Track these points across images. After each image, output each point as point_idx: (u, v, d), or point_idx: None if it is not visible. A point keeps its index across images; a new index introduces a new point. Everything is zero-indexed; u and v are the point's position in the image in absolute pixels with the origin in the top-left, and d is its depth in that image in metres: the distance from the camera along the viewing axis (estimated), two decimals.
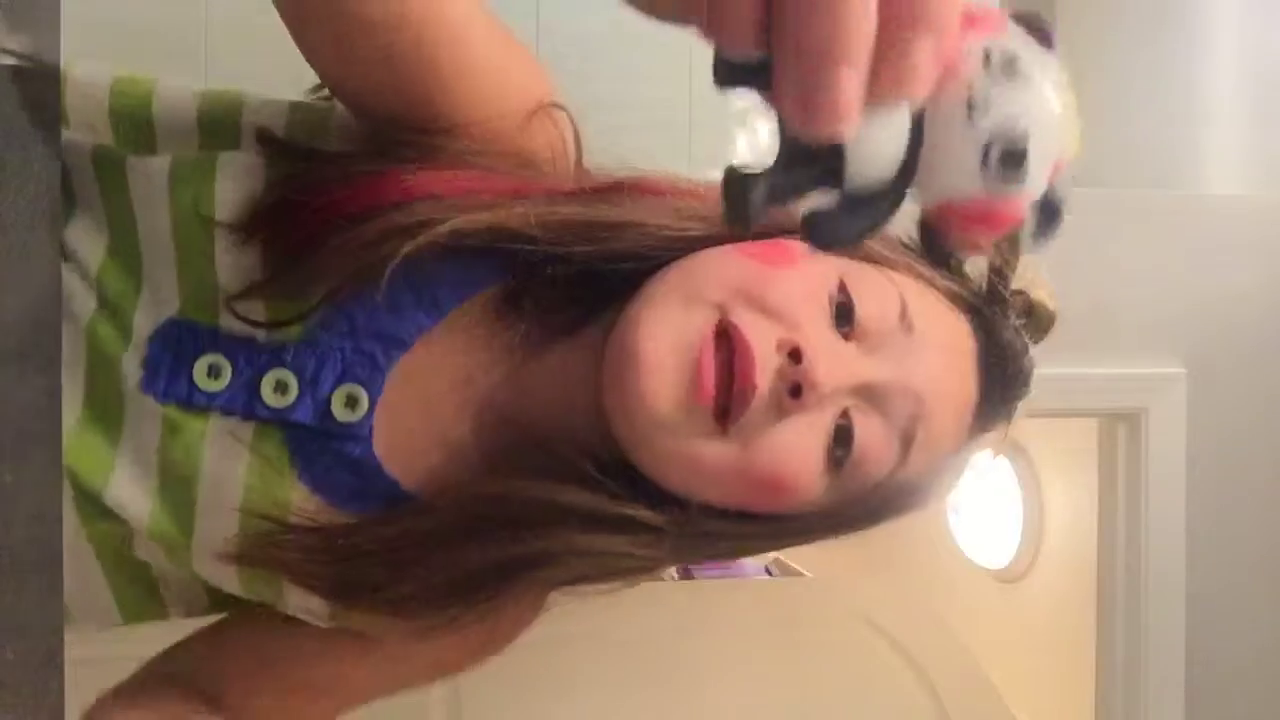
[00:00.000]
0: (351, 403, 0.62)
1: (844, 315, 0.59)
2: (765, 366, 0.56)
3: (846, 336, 0.59)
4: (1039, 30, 0.37)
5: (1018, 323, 0.70)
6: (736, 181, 0.34)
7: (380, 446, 0.63)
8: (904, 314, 0.60)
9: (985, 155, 0.34)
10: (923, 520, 2.84)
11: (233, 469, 0.62)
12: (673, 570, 3.38)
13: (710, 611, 1.76)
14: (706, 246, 0.60)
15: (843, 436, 0.58)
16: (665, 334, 0.56)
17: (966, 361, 0.64)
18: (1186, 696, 1.85)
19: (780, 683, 1.55)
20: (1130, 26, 2.51)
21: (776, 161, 0.35)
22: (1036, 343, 0.74)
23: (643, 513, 0.60)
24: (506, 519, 0.60)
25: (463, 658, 0.71)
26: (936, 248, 0.54)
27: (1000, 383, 0.66)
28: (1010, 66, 0.34)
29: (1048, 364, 1.97)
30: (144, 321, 0.62)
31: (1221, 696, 1.88)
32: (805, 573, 3.35)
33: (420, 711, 1.43)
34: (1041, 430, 2.38)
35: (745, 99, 0.34)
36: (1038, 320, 0.73)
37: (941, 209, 0.35)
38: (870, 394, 0.59)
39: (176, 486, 0.63)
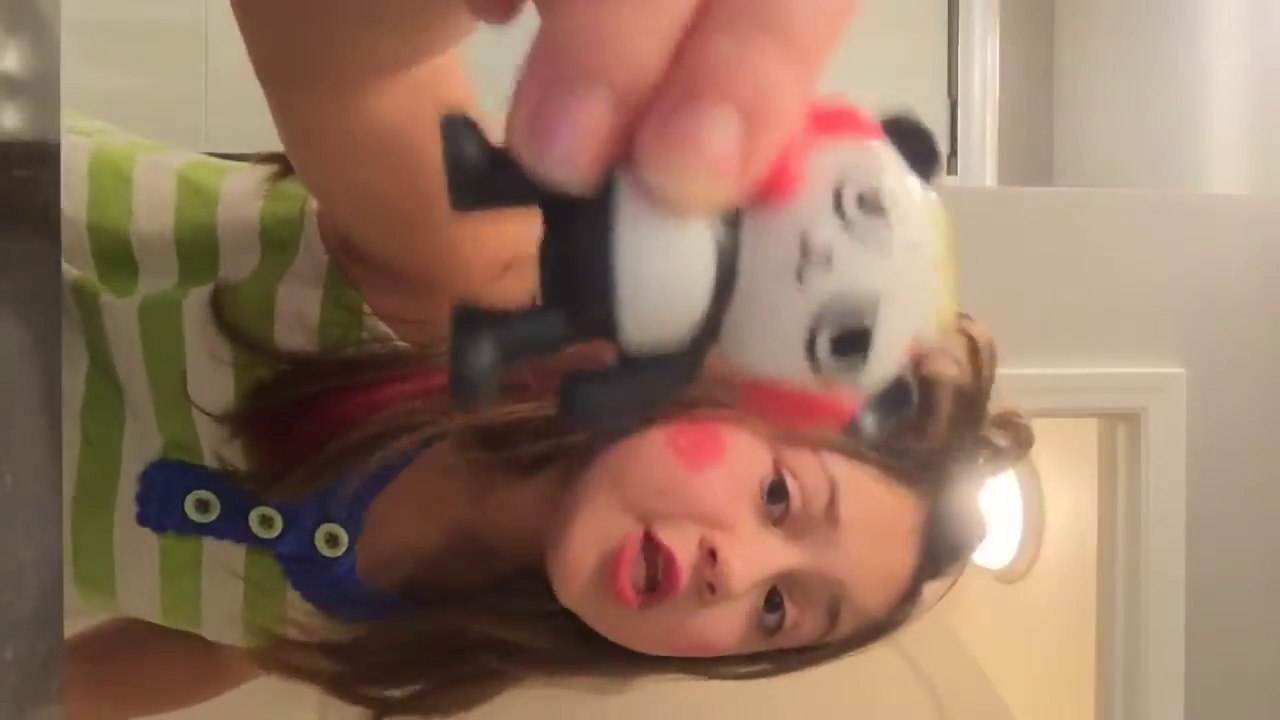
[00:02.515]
0: (332, 540, 0.66)
1: (776, 494, 0.61)
2: (687, 569, 0.59)
3: (779, 517, 0.61)
4: (917, 141, 0.27)
5: (985, 465, 0.70)
6: (459, 334, 0.23)
7: (363, 566, 0.68)
8: (831, 504, 0.61)
9: (812, 333, 0.24)
10: None
11: (230, 588, 0.68)
12: None
13: None
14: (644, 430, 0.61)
15: (773, 603, 0.63)
16: (590, 538, 0.60)
17: (900, 539, 0.66)
18: (1186, 696, 1.85)
19: (780, 682, 1.55)
20: (1130, 27, 2.51)
21: (528, 310, 0.24)
22: (1019, 459, 0.75)
23: (581, 653, 0.67)
24: (460, 648, 0.67)
25: None
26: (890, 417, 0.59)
27: (943, 545, 0.68)
28: (869, 206, 0.24)
29: (1048, 364, 1.97)
30: (131, 459, 0.66)
31: (1221, 696, 1.88)
32: None
33: None
34: (1041, 430, 2.37)
35: None
36: (1005, 457, 0.73)
37: (749, 384, 0.25)
38: (790, 579, 0.62)
39: (180, 607, 0.70)
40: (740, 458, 0.61)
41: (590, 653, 0.66)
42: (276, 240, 0.63)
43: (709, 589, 0.60)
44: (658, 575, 0.60)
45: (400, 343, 0.62)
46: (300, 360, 0.62)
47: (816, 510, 0.62)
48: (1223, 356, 1.87)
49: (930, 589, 0.71)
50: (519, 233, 0.59)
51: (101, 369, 0.66)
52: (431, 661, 0.69)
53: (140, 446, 0.66)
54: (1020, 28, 2.74)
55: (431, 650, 0.68)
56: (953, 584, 0.73)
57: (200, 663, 0.83)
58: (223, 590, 0.69)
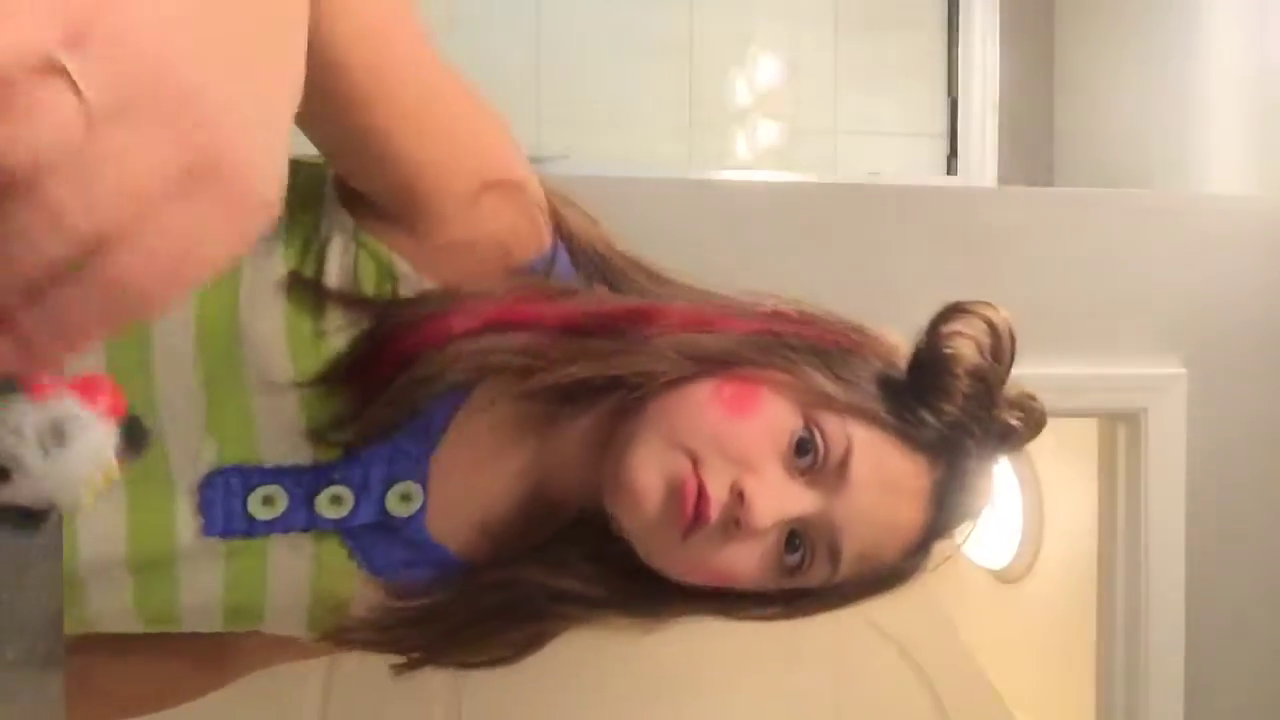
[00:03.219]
0: (405, 498, 0.69)
1: (804, 448, 0.70)
2: (717, 503, 0.68)
3: (804, 469, 0.70)
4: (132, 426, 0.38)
5: (991, 449, 0.77)
6: None
7: (431, 524, 0.71)
8: (845, 459, 0.70)
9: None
10: None
11: (298, 581, 0.70)
12: None
13: None
14: (712, 364, 0.70)
15: (791, 545, 0.71)
16: (655, 469, 0.68)
17: (910, 497, 0.73)
18: (1186, 696, 1.85)
19: (781, 683, 1.55)
20: (1130, 26, 2.51)
21: None
22: (1030, 440, 0.81)
23: (627, 594, 0.75)
24: (517, 600, 0.73)
25: None
26: (914, 390, 0.72)
27: (955, 508, 0.76)
28: (56, 438, 0.35)
29: (1048, 364, 1.97)
30: (182, 476, 0.67)
31: (1221, 697, 1.88)
32: None
33: (421, 711, 1.43)
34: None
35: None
36: (1017, 437, 0.79)
37: None
38: (806, 524, 0.71)
39: (246, 610, 0.70)
40: (775, 412, 0.70)
41: (635, 593, 0.74)
42: (299, 219, 0.67)
43: (735, 524, 0.68)
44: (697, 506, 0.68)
45: (432, 285, 0.68)
46: (379, 307, 0.67)
47: (833, 463, 0.70)
48: (1223, 356, 1.87)
49: (939, 546, 0.79)
50: (486, 155, 0.68)
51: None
52: (493, 617, 0.73)
53: (187, 462, 0.67)
54: (1020, 28, 2.74)
55: (493, 607, 0.73)
56: (952, 553, 0.81)
57: (204, 657, 0.83)
58: (290, 584, 0.70)
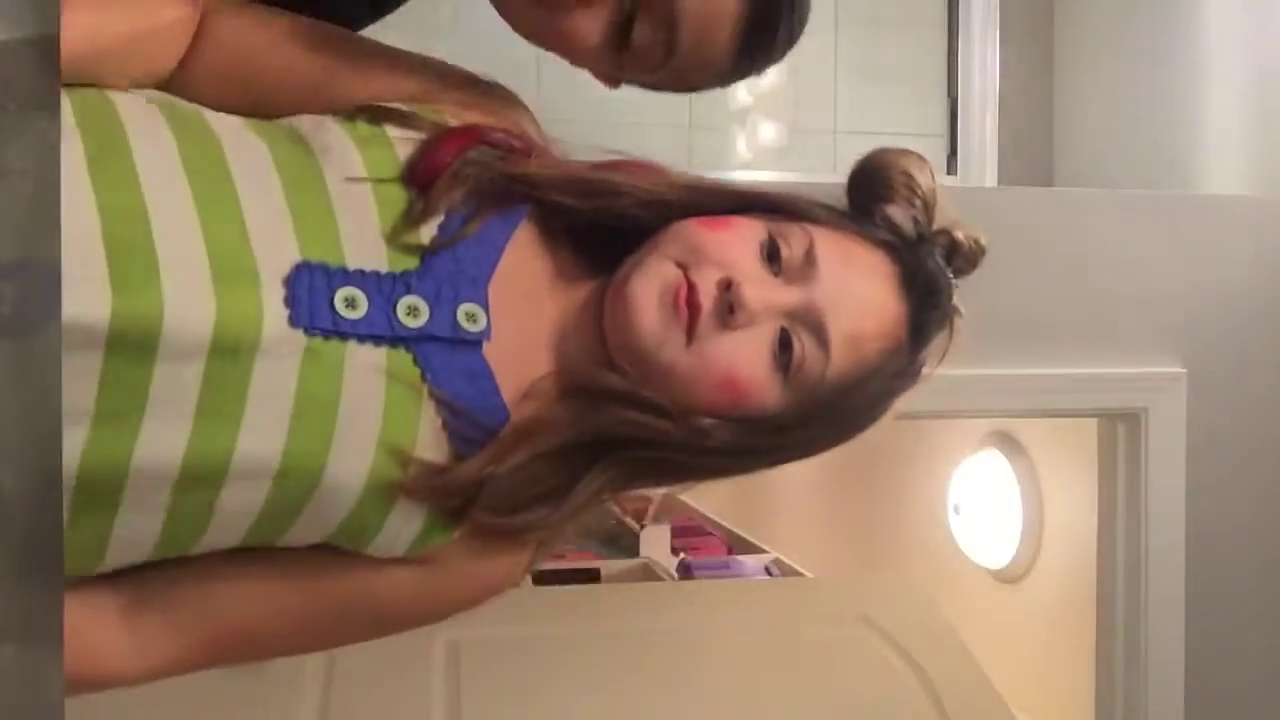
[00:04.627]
0: (472, 317, 0.76)
1: (773, 255, 0.80)
2: (708, 295, 0.77)
3: (776, 272, 0.80)
4: None
5: (939, 255, 0.87)
6: None
7: (489, 357, 0.77)
8: (809, 252, 0.80)
9: None
10: (923, 520, 2.85)
11: (372, 389, 0.72)
12: (673, 570, 3.38)
13: (710, 611, 1.76)
14: (680, 210, 0.83)
15: (785, 342, 0.79)
16: (646, 281, 0.78)
17: (880, 280, 0.83)
18: (1186, 696, 1.85)
19: (780, 683, 1.55)
20: (1130, 27, 2.51)
21: None
22: (966, 274, 0.89)
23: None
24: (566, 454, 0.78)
25: (481, 587, 0.83)
26: (857, 202, 0.85)
27: (924, 297, 0.85)
28: None
29: (1048, 364, 1.98)
30: (269, 270, 0.70)
31: (1221, 696, 1.88)
32: (805, 573, 3.35)
33: (421, 711, 1.43)
34: (1041, 430, 2.38)
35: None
36: (962, 253, 0.88)
37: None
38: (792, 314, 0.79)
39: (315, 416, 0.70)
40: (744, 227, 0.81)
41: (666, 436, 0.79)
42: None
43: (729, 310, 0.76)
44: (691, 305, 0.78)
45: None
46: (427, 122, 0.81)
47: (799, 257, 0.80)
48: (1223, 356, 1.87)
49: (936, 342, 0.86)
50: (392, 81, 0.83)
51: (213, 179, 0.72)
52: (546, 475, 0.77)
53: (273, 257, 0.70)
54: (1020, 28, 2.74)
55: (544, 465, 0.77)
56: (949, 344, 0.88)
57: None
58: (363, 397, 0.71)
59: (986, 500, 2.50)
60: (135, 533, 0.70)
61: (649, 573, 3.17)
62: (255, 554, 0.76)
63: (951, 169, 2.73)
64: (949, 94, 2.75)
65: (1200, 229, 1.89)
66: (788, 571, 3.40)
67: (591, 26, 0.84)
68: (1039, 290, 1.79)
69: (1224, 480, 1.88)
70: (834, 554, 3.46)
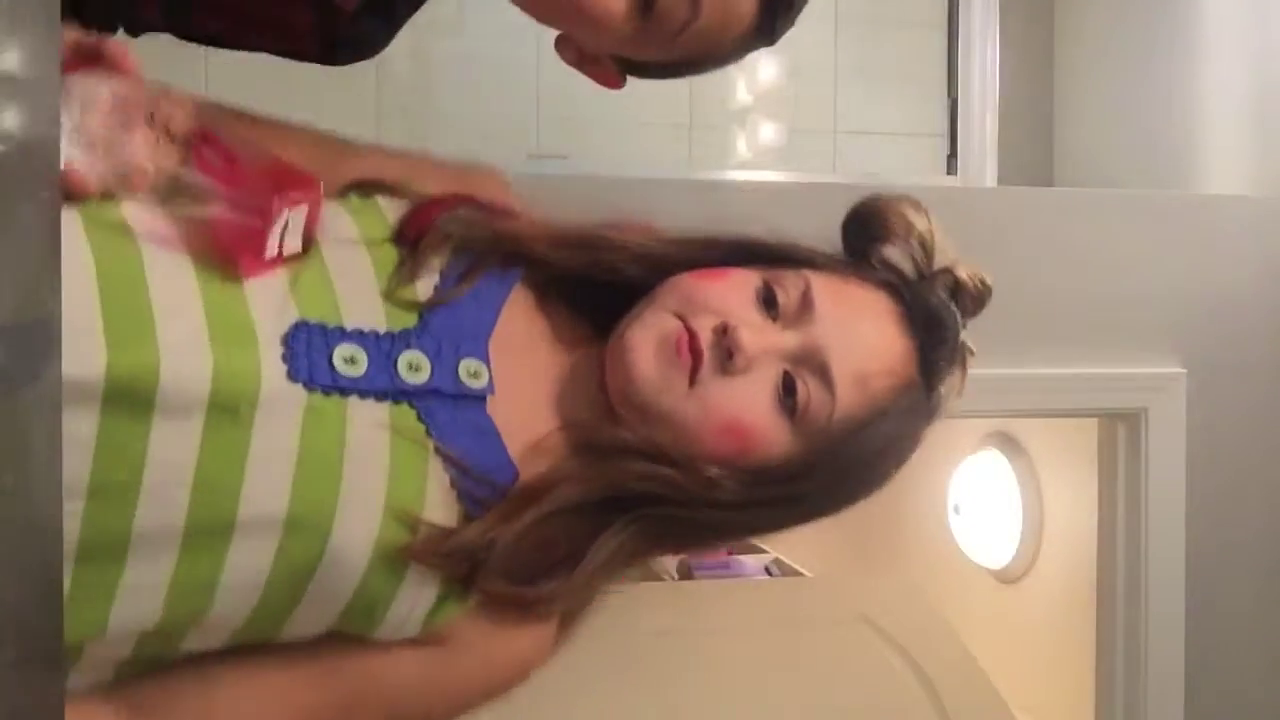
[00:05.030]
0: (475, 374, 0.75)
1: (769, 302, 0.80)
2: (707, 341, 0.77)
3: (774, 318, 0.80)
4: None
5: (943, 294, 0.86)
6: None
7: (493, 414, 0.76)
8: (806, 295, 0.80)
9: None
10: (923, 520, 2.85)
11: (377, 445, 0.70)
12: (672, 570, 3.38)
13: (710, 611, 1.76)
14: (673, 265, 0.83)
15: (789, 385, 0.78)
16: (645, 332, 0.78)
17: (882, 318, 0.82)
18: (1186, 696, 1.85)
19: (780, 683, 1.55)
20: (1130, 27, 2.51)
21: None
22: (974, 314, 0.89)
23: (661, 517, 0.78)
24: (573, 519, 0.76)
25: (503, 670, 0.78)
26: (853, 246, 0.86)
27: (930, 332, 0.84)
28: None
29: (1048, 364, 1.98)
30: (267, 330, 0.69)
31: (1221, 696, 1.88)
32: (805, 573, 3.35)
33: None
34: (1041, 430, 2.38)
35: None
36: (967, 293, 0.88)
37: None
38: (794, 357, 0.78)
39: (320, 474, 0.68)
40: (738, 276, 0.81)
41: (667, 518, 0.78)
42: None
43: (728, 355, 0.76)
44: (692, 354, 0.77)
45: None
46: (413, 193, 0.83)
47: (796, 300, 0.80)
48: (1223, 356, 1.87)
49: (949, 383, 0.86)
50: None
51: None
52: (558, 539, 0.75)
53: (271, 319, 0.69)
54: (1020, 28, 2.74)
55: (555, 527, 0.74)
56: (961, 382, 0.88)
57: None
58: (368, 453, 0.69)
59: (986, 500, 2.50)
60: (138, 604, 0.66)
61: (649, 573, 3.16)
62: (257, 652, 0.73)
63: (951, 169, 2.73)
64: (949, 94, 2.75)
65: (1200, 229, 1.89)
66: (788, 571, 3.39)
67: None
68: (1038, 290, 1.79)
69: (1224, 480, 1.88)
70: (834, 554, 3.46)
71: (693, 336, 0.76)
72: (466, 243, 0.80)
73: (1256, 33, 2.12)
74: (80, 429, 0.62)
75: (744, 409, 0.77)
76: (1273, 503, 1.91)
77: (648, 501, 0.77)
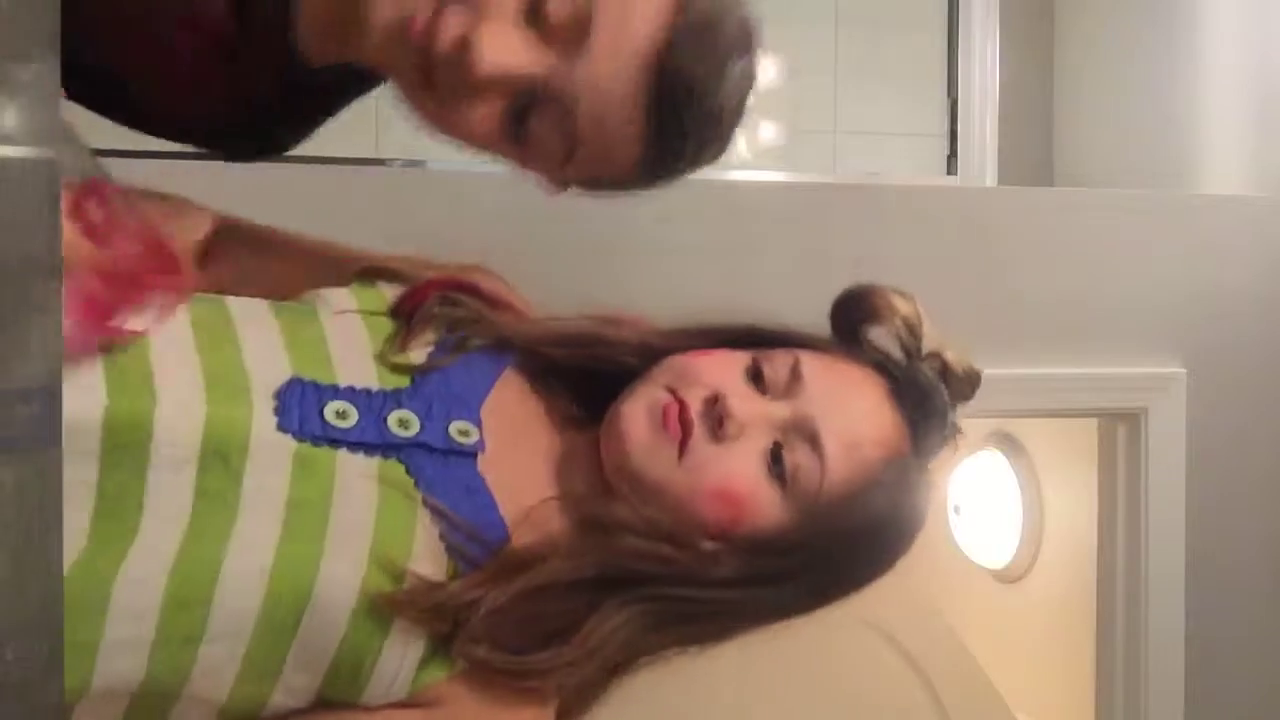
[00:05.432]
0: (464, 433, 0.76)
1: (757, 377, 0.81)
2: (697, 412, 0.78)
3: (763, 391, 0.81)
4: None
5: (932, 375, 0.88)
6: None
7: (484, 472, 0.76)
8: (795, 369, 0.81)
9: None
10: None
11: (364, 495, 0.70)
12: None
13: None
14: (664, 354, 0.84)
15: (777, 455, 0.79)
16: (637, 406, 0.80)
17: (871, 390, 0.84)
18: (1186, 696, 1.85)
19: (780, 683, 1.54)
20: (1130, 27, 2.51)
21: None
22: (965, 399, 0.91)
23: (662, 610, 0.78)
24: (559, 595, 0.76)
25: None
26: (841, 328, 0.89)
27: (919, 406, 0.86)
28: None
29: (1048, 364, 1.97)
30: (261, 383, 0.71)
31: (1221, 696, 1.88)
32: None
33: None
34: (1041, 430, 2.38)
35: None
36: (955, 376, 0.90)
37: None
38: (784, 426, 0.80)
39: (307, 521, 0.68)
40: (729, 354, 0.83)
41: (670, 606, 0.78)
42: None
43: (719, 423, 0.77)
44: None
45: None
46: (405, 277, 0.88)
47: (784, 375, 0.81)
48: (1223, 356, 1.87)
49: (938, 458, 0.88)
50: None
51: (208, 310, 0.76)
52: (550, 612, 0.74)
53: (265, 373, 0.72)
54: (1020, 28, 2.74)
55: (547, 600, 0.74)
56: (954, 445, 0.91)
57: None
58: (355, 502, 0.70)
59: (986, 500, 2.50)
60: (121, 658, 0.65)
61: None
62: None
63: (951, 169, 2.72)
64: (949, 94, 2.75)
65: (1200, 229, 1.89)
66: None
67: (486, 116, 0.78)
68: (1039, 290, 1.79)
69: (1224, 480, 1.88)
70: None
71: (683, 407, 0.78)
72: (460, 324, 0.83)
73: (1256, 32, 2.12)
74: (80, 475, 0.64)
75: (735, 475, 0.78)
76: (1273, 502, 1.91)
77: (646, 582, 0.76)
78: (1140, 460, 1.84)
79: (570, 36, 0.74)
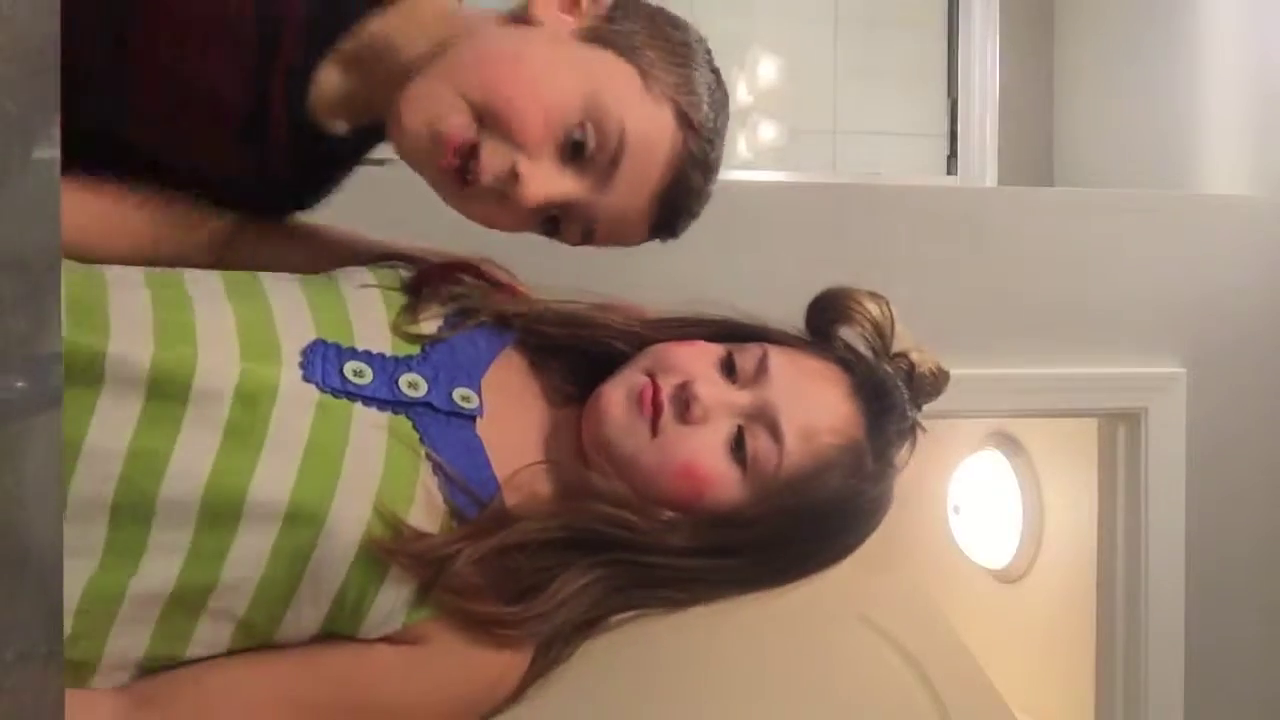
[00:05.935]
0: (465, 398, 0.85)
1: (729, 368, 0.90)
2: (669, 396, 0.87)
3: (733, 380, 0.89)
4: None
5: (894, 373, 0.95)
6: None
7: (483, 435, 0.85)
8: (762, 361, 0.89)
9: None
10: (923, 520, 2.85)
11: (375, 443, 0.79)
12: None
13: (709, 611, 1.75)
14: (650, 341, 0.92)
15: (739, 439, 0.86)
16: (620, 388, 0.88)
17: (831, 384, 0.91)
18: (1186, 696, 1.85)
19: (780, 682, 1.54)
20: (1130, 28, 2.51)
21: None
22: (931, 398, 0.97)
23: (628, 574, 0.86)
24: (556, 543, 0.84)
25: (472, 679, 0.83)
26: (814, 327, 0.96)
27: (876, 400, 0.93)
28: None
29: (1048, 364, 1.97)
30: (289, 345, 0.81)
31: (1221, 696, 1.88)
32: None
33: None
34: (1041, 430, 2.38)
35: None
36: (920, 379, 0.96)
37: None
38: (748, 413, 0.87)
39: (323, 462, 0.77)
40: (706, 346, 0.91)
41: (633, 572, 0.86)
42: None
43: (686, 406, 0.85)
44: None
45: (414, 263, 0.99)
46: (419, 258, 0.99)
47: (753, 366, 0.89)
48: (1223, 356, 1.87)
49: (899, 452, 0.95)
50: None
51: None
52: (522, 569, 0.81)
53: (293, 337, 0.81)
54: (1020, 28, 2.74)
55: (520, 558, 0.81)
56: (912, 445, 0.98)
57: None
58: (367, 449, 0.78)
59: (986, 500, 2.50)
60: (161, 565, 0.74)
61: None
62: (252, 650, 0.79)
63: (951, 169, 2.73)
64: (949, 94, 2.75)
65: (1200, 229, 1.89)
66: None
67: (517, 220, 0.91)
68: (1038, 290, 1.79)
69: (1224, 480, 1.88)
70: None
71: (656, 390, 0.86)
72: (466, 301, 0.92)
73: (1256, 33, 2.12)
74: (126, 405, 0.73)
75: (699, 455, 0.86)
76: (1273, 502, 1.91)
77: (613, 546, 0.83)
78: (1140, 460, 1.84)
79: (603, 173, 0.87)
